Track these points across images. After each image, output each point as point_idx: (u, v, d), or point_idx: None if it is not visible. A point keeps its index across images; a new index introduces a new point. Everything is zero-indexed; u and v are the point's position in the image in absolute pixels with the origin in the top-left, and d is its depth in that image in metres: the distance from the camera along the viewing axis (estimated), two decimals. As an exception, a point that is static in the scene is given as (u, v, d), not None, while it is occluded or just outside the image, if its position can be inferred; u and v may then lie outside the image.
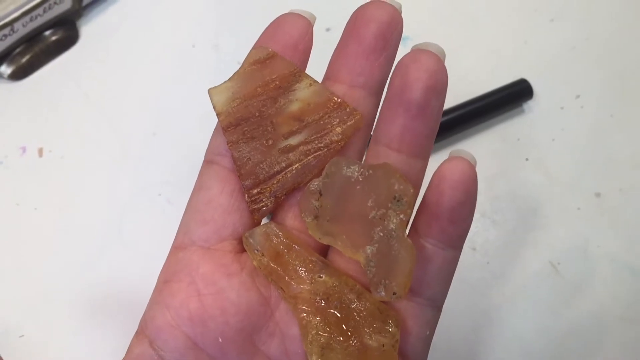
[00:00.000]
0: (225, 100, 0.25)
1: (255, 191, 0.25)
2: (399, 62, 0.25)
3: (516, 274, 0.44)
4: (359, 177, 0.25)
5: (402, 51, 0.54)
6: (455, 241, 0.26)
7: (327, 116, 0.25)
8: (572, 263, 0.45)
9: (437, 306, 0.27)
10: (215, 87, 0.26)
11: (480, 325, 0.43)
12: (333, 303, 0.25)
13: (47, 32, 0.52)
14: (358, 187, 0.25)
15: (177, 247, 0.26)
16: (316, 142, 0.25)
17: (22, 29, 0.50)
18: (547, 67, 0.52)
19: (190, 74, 0.52)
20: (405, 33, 0.53)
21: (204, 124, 0.50)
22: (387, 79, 0.26)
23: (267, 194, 0.25)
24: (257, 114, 0.25)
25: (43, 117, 0.50)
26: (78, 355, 0.42)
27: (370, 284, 0.25)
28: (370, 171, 0.24)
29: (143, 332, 0.25)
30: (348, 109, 0.25)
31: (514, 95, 0.49)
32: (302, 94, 0.25)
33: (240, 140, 0.25)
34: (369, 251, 0.25)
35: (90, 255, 0.45)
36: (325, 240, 0.25)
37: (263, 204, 0.26)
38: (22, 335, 0.42)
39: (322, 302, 0.25)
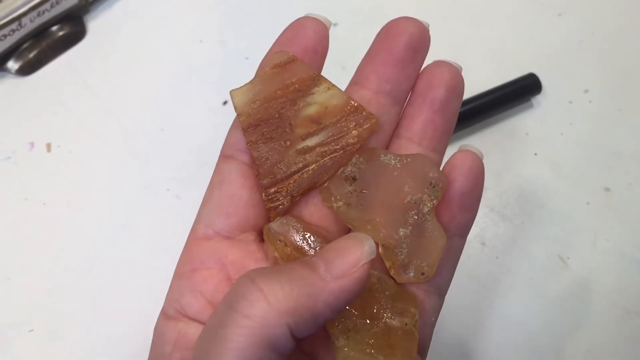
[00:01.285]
0: (246, 101, 0.26)
1: (272, 190, 0.26)
2: (423, 69, 0.27)
3: (525, 268, 0.44)
4: (397, 164, 0.26)
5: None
6: (463, 229, 0.27)
7: (344, 119, 0.26)
8: (581, 257, 0.45)
9: (441, 294, 0.28)
10: (236, 88, 0.26)
11: (488, 319, 0.43)
12: None
13: (55, 28, 0.52)
14: (395, 173, 0.26)
15: (200, 238, 0.27)
16: (333, 144, 0.26)
17: (29, 24, 0.50)
18: (555, 62, 0.52)
19: (198, 69, 0.52)
20: (413, 27, 0.53)
21: (211, 119, 0.50)
22: (410, 90, 0.28)
23: (283, 193, 0.26)
24: (277, 116, 0.26)
25: (51, 112, 0.50)
26: (87, 349, 0.42)
27: (400, 265, 0.26)
28: (409, 159, 0.26)
29: (178, 319, 0.26)
30: (364, 113, 0.26)
31: (522, 90, 0.49)
32: (320, 97, 0.26)
33: (260, 140, 0.26)
34: (402, 233, 0.26)
35: (99, 249, 0.45)
36: (354, 225, 0.26)
37: (279, 202, 0.26)
38: (32, 330, 0.42)
39: None
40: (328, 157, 0.26)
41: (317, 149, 0.26)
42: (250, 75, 0.52)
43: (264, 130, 0.26)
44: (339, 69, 0.51)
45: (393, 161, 0.26)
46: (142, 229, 0.46)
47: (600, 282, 0.44)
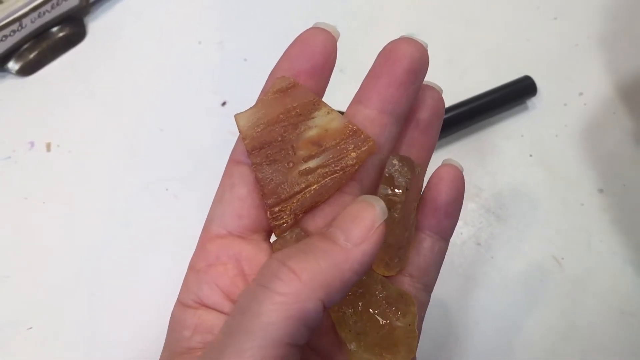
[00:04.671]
0: (250, 125, 0.28)
1: (277, 209, 0.28)
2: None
3: (520, 268, 0.45)
4: (419, 175, 0.29)
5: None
6: (447, 233, 0.31)
7: (343, 142, 0.28)
8: (575, 258, 0.45)
9: (429, 291, 0.31)
10: (240, 113, 0.28)
11: (483, 318, 0.43)
12: (362, 294, 0.28)
13: (55, 29, 0.53)
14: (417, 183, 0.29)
15: (214, 237, 0.28)
16: (333, 165, 0.28)
17: (30, 25, 0.51)
18: (550, 65, 0.52)
19: (197, 70, 0.53)
20: (410, 30, 0.54)
21: (210, 119, 0.51)
22: (410, 108, 0.29)
23: (287, 212, 0.28)
24: (279, 139, 0.28)
25: (51, 112, 0.50)
26: (85, 346, 0.43)
27: (395, 261, 0.29)
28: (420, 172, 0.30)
29: (197, 308, 0.28)
30: (362, 136, 0.28)
31: (518, 92, 0.50)
32: (320, 121, 0.28)
33: (264, 162, 0.28)
34: (407, 234, 0.29)
35: (98, 248, 0.45)
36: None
37: (283, 220, 0.28)
38: (31, 328, 0.43)
39: (352, 295, 0.28)
40: (329, 178, 0.28)
41: (319, 170, 0.28)
42: (248, 76, 0.53)
43: (267, 152, 0.28)
44: (337, 71, 0.51)
45: (417, 170, 0.29)
46: (140, 228, 0.46)
47: (594, 283, 0.45)
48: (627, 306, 0.44)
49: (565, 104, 0.51)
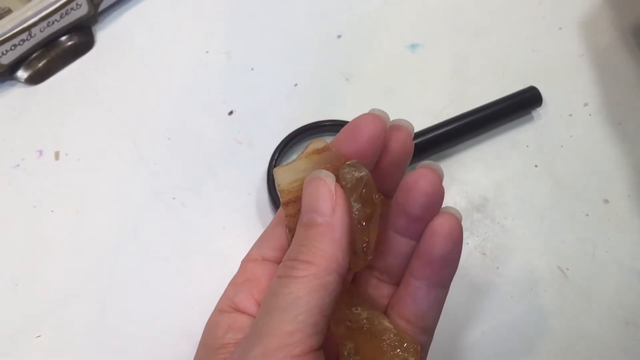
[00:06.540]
0: (288, 180, 0.31)
1: None
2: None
3: (525, 279, 0.45)
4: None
5: (412, 57, 0.55)
6: (445, 281, 0.31)
7: None
8: (580, 268, 0.45)
9: (430, 334, 0.32)
10: (279, 167, 0.31)
11: (488, 328, 0.43)
12: (364, 331, 0.30)
13: (64, 38, 0.53)
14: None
15: (254, 260, 0.33)
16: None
17: (39, 34, 0.51)
18: (555, 75, 0.53)
19: (204, 79, 0.53)
20: (416, 40, 0.54)
21: (217, 128, 0.51)
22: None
23: None
24: None
25: (59, 120, 0.51)
26: (93, 355, 0.43)
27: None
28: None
29: (230, 312, 0.32)
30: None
31: (523, 103, 0.50)
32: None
33: (297, 214, 0.31)
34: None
35: (106, 256, 0.46)
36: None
37: None
38: (39, 336, 0.43)
39: (356, 330, 0.30)
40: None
41: None
42: (255, 85, 0.53)
43: (300, 206, 0.30)
44: (343, 80, 0.52)
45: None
46: (148, 236, 0.46)
47: (600, 293, 0.45)
48: (632, 317, 0.44)
49: (570, 115, 0.51)
